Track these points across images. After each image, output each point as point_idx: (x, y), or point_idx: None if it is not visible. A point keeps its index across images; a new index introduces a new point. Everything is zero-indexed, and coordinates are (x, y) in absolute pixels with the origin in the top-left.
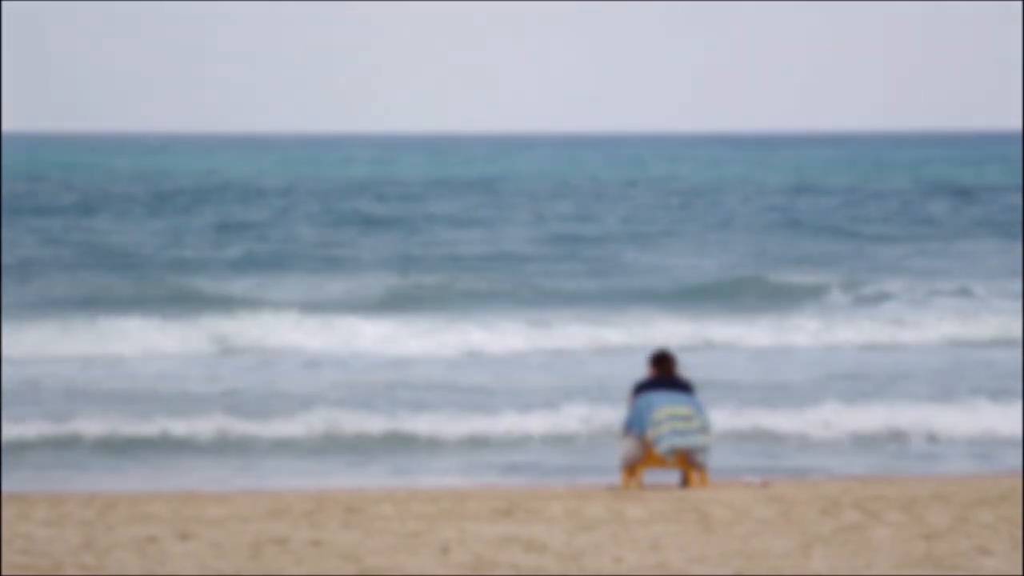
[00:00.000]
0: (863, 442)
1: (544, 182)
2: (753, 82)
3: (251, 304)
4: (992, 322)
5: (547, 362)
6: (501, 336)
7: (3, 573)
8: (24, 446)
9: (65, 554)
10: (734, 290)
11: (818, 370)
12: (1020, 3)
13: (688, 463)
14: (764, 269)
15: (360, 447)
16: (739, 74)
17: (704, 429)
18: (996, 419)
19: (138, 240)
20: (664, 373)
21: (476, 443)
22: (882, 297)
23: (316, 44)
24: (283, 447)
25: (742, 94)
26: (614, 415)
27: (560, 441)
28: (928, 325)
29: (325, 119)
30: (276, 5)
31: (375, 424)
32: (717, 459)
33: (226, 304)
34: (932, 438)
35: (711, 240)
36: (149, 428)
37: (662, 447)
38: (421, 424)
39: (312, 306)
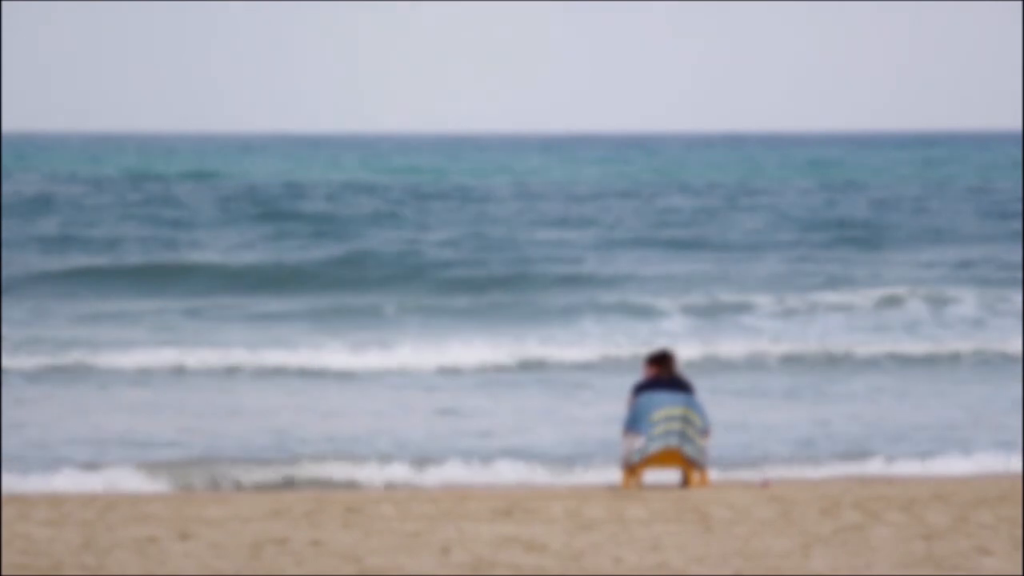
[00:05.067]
0: None
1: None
2: (748, 83)
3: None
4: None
5: None
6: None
7: (3, 573)
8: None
9: (65, 554)
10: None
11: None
12: (1020, 3)
13: (688, 463)
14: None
15: None
16: (738, 74)
17: (704, 430)
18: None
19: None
20: (664, 372)
21: None
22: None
23: (314, 43)
24: None
25: (740, 94)
26: None
27: None
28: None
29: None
30: (277, 5)
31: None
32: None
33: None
34: None
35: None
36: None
37: (653, 447)
38: None
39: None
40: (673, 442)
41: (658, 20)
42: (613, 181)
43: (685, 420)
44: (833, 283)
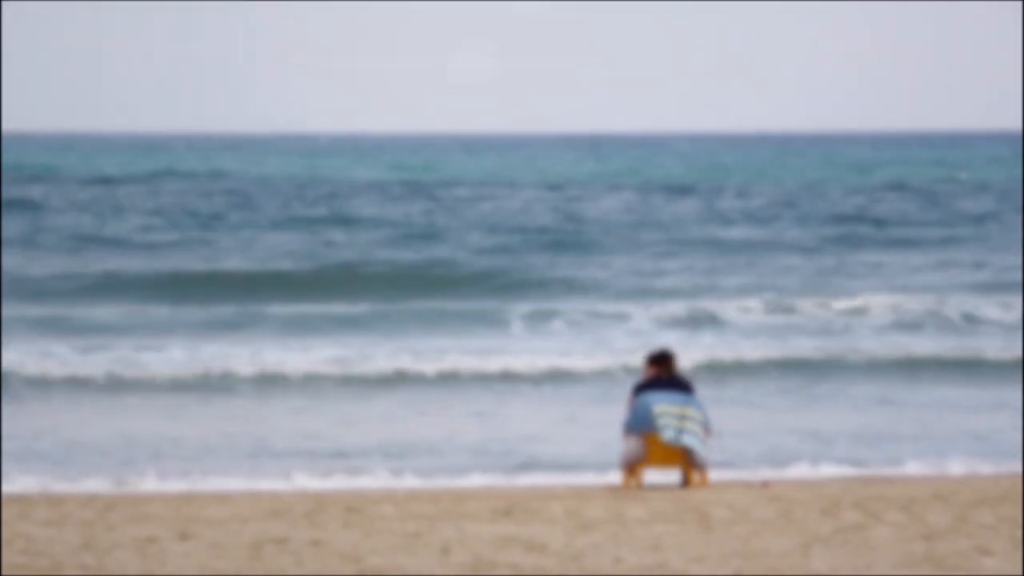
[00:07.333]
0: None
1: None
2: (752, 84)
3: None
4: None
5: None
6: None
7: (3, 573)
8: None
9: (65, 554)
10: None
11: None
12: (1020, 3)
13: (688, 463)
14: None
15: None
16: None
17: (704, 429)
18: None
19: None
20: (664, 372)
21: None
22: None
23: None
24: None
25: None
26: None
27: None
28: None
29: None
30: (277, 5)
31: None
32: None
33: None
34: None
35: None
36: None
37: (667, 435)
38: None
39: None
40: (670, 435)
41: (661, 21)
42: (621, 180)
43: (684, 418)
44: (834, 284)
